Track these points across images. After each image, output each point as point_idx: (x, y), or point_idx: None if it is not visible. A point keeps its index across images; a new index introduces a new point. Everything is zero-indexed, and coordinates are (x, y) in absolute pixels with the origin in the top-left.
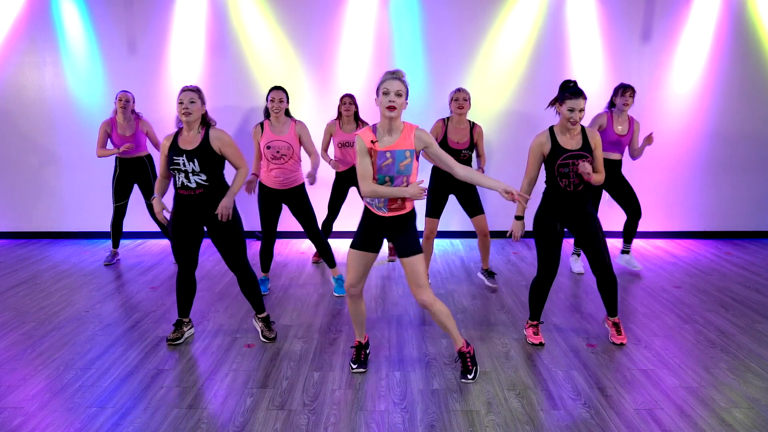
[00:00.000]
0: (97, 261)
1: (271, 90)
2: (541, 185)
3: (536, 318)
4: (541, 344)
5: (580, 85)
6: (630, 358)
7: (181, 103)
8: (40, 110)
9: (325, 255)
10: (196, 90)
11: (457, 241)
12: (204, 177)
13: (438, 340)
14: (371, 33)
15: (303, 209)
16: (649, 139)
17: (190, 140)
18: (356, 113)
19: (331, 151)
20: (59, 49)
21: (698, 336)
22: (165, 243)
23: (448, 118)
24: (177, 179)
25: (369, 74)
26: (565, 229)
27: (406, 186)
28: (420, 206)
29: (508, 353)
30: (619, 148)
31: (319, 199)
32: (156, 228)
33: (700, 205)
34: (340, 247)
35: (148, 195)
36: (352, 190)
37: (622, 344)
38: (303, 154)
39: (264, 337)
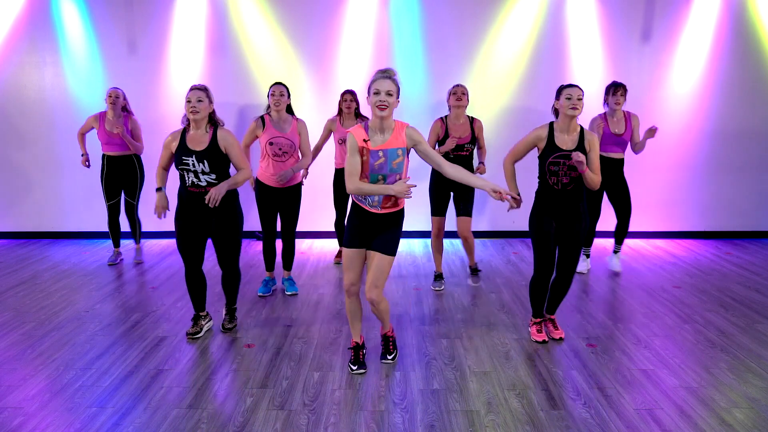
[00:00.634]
0: (97, 261)
1: (272, 85)
2: (534, 184)
3: (539, 315)
4: (544, 342)
5: (580, 84)
6: (630, 358)
7: (189, 101)
8: (40, 110)
9: (287, 257)
10: (204, 89)
11: (457, 241)
12: (213, 177)
13: (438, 340)
14: (371, 33)
15: (291, 209)
16: (651, 132)
17: (199, 140)
18: (357, 110)
19: (330, 147)
20: (59, 49)
21: (698, 336)
22: (165, 243)
23: (446, 116)
24: (186, 178)
25: (369, 74)
26: None
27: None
28: (425, 207)
29: (508, 353)
30: (620, 146)
31: (323, 200)
32: (154, 228)
33: (700, 205)
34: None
35: (131, 195)
36: None
37: (561, 339)
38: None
39: (223, 326)
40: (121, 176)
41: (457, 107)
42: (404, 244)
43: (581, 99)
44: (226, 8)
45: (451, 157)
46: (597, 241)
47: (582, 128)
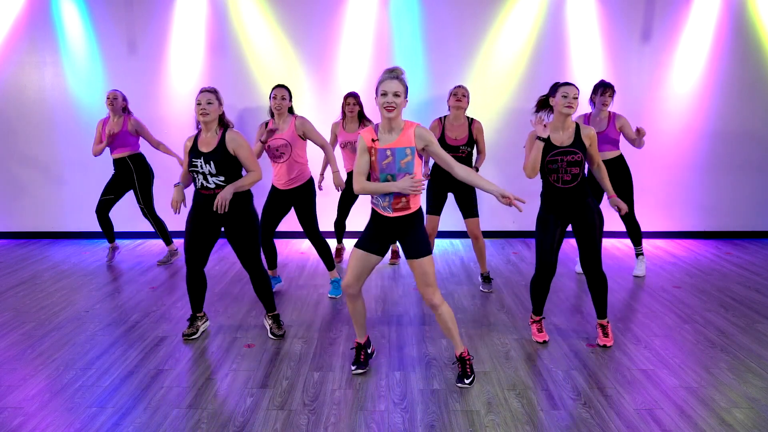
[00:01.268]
0: (97, 261)
1: (273, 88)
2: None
3: (538, 313)
4: (544, 342)
5: (580, 84)
6: (630, 358)
7: (198, 104)
8: (40, 110)
9: (324, 257)
10: (214, 91)
11: (457, 241)
12: (222, 179)
13: (438, 340)
14: (371, 33)
15: (305, 209)
16: (641, 132)
17: (208, 142)
18: (360, 112)
19: (337, 152)
20: (59, 49)
21: (698, 336)
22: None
23: (444, 116)
24: (197, 180)
25: (369, 74)
26: (569, 229)
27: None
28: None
29: (508, 353)
30: (609, 144)
31: (324, 200)
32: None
33: (700, 205)
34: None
35: (138, 200)
36: None
37: (605, 346)
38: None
39: (272, 334)
40: (125, 180)
41: (457, 108)
42: None
43: (577, 98)
44: (226, 8)
45: None
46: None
47: (577, 124)
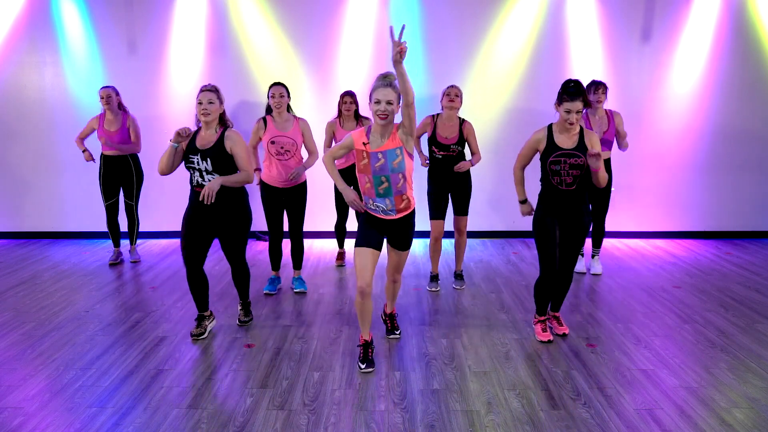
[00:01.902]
0: (97, 261)
1: (271, 86)
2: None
3: (542, 313)
4: (549, 342)
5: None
6: (630, 358)
7: (200, 103)
8: (40, 110)
9: (296, 257)
10: (215, 90)
11: None
12: (217, 176)
13: (438, 340)
14: (371, 33)
15: (298, 208)
16: (622, 135)
17: (207, 139)
18: (356, 111)
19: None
20: (59, 49)
21: (698, 336)
22: (165, 243)
23: (437, 114)
24: (193, 177)
25: (369, 74)
26: None
27: (402, 184)
28: (423, 208)
29: (508, 353)
30: (605, 145)
31: (324, 200)
32: (154, 228)
33: (700, 205)
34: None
35: (129, 195)
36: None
37: (564, 334)
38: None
39: (239, 320)
40: (119, 176)
41: (450, 108)
42: None
43: (580, 112)
44: (226, 8)
45: (438, 156)
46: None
47: (581, 128)
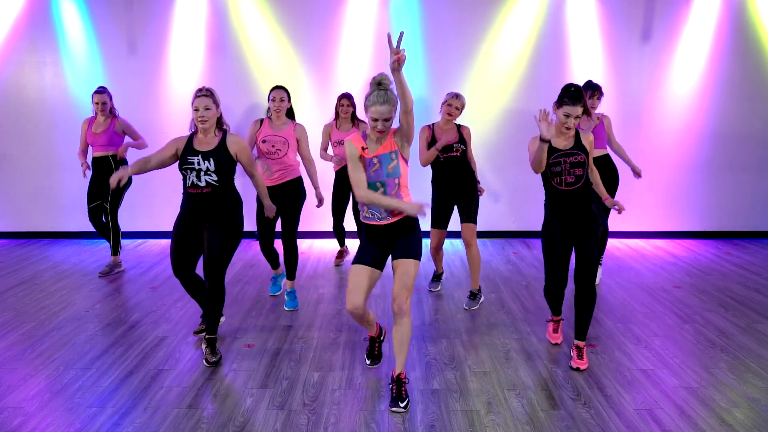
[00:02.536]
0: (97, 261)
1: (272, 89)
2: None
3: (557, 313)
4: (557, 344)
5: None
6: (630, 358)
7: (196, 110)
8: (40, 110)
9: (290, 265)
10: (210, 95)
11: (457, 242)
12: (215, 178)
13: (438, 340)
14: (371, 33)
15: (291, 209)
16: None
17: (207, 142)
18: (353, 114)
19: (330, 150)
20: (59, 49)
21: (698, 336)
22: (165, 243)
23: (433, 123)
24: (187, 179)
25: (369, 74)
26: None
27: (397, 190)
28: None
29: (508, 353)
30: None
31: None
32: (154, 228)
33: (700, 205)
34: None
35: (105, 199)
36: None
37: (578, 369)
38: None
39: (206, 360)
40: (103, 178)
41: (447, 120)
42: None
43: (579, 117)
44: (226, 8)
45: (441, 159)
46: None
47: (577, 130)
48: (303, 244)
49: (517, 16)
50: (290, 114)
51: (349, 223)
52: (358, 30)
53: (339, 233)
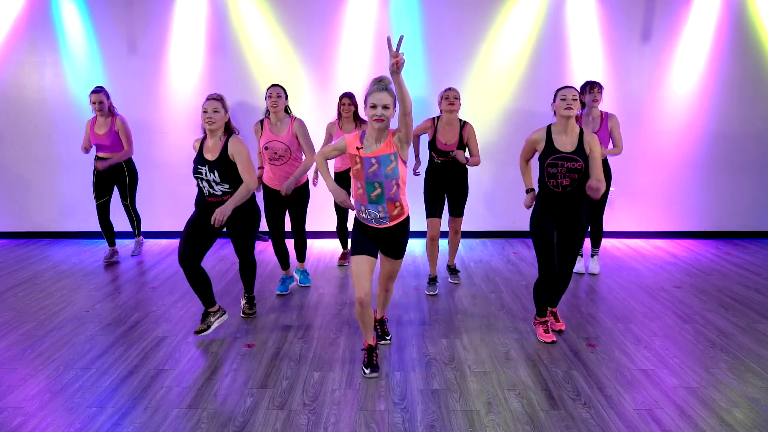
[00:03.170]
0: (97, 261)
1: (268, 88)
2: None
3: (543, 314)
4: (552, 342)
5: (581, 84)
6: (630, 358)
7: (205, 111)
8: (40, 110)
9: (299, 250)
10: (220, 99)
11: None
12: (227, 186)
13: (438, 340)
14: (371, 33)
15: (298, 208)
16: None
17: (212, 149)
18: (356, 113)
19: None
20: (59, 49)
21: (698, 336)
22: (165, 243)
23: (438, 117)
24: (204, 189)
25: (369, 74)
26: None
27: (395, 191)
28: (423, 208)
29: (508, 353)
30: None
31: (324, 201)
32: (154, 228)
33: (700, 205)
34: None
35: (123, 196)
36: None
37: (561, 330)
38: None
39: (243, 312)
40: (112, 177)
41: (449, 112)
42: None
43: (576, 99)
44: (226, 8)
45: (437, 162)
46: (606, 241)
47: (581, 129)
48: None
49: (517, 16)
50: (287, 111)
51: (351, 224)
52: (358, 30)
53: (342, 233)
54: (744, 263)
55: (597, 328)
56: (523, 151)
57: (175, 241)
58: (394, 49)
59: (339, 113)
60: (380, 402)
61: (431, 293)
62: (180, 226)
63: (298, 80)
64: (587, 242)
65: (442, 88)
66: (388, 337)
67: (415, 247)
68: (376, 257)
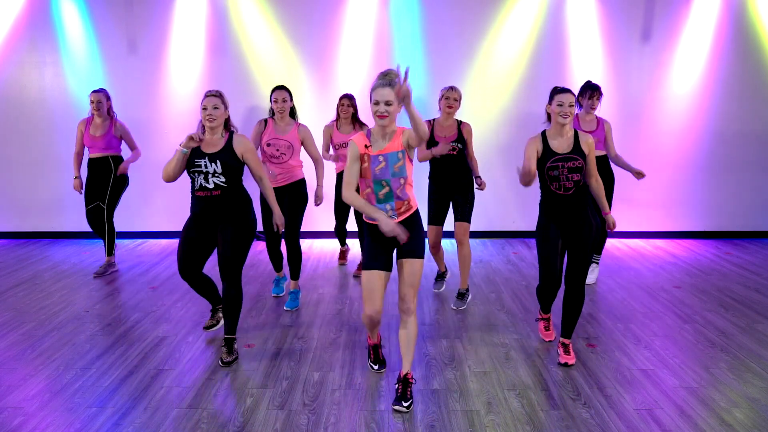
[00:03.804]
0: (97, 261)
1: (273, 90)
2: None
3: (546, 311)
4: (551, 341)
5: (581, 85)
6: (630, 358)
7: (204, 108)
8: (40, 110)
9: (293, 265)
10: (220, 95)
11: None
12: (223, 179)
13: (438, 340)
14: (371, 33)
15: (294, 209)
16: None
17: (213, 143)
18: (354, 114)
19: (331, 151)
20: (59, 49)
21: (698, 336)
22: (165, 243)
23: (434, 119)
24: (195, 182)
25: (369, 74)
26: None
27: (402, 189)
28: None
29: (508, 353)
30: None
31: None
32: (154, 228)
33: (700, 205)
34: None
35: (103, 198)
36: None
37: (566, 364)
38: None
39: (221, 360)
40: (101, 180)
41: (447, 113)
42: None
43: (573, 105)
44: (226, 8)
45: (438, 157)
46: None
47: (576, 131)
48: (303, 244)
49: (517, 16)
50: (293, 114)
51: (352, 225)
52: (358, 30)
53: (341, 234)
54: (744, 263)
55: (597, 328)
56: (527, 161)
57: (175, 241)
58: (402, 80)
59: (338, 114)
60: (380, 402)
61: (438, 290)
62: (179, 227)
63: (298, 80)
64: None
65: (442, 88)
66: (407, 404)
67: None
68: (390, 270)
